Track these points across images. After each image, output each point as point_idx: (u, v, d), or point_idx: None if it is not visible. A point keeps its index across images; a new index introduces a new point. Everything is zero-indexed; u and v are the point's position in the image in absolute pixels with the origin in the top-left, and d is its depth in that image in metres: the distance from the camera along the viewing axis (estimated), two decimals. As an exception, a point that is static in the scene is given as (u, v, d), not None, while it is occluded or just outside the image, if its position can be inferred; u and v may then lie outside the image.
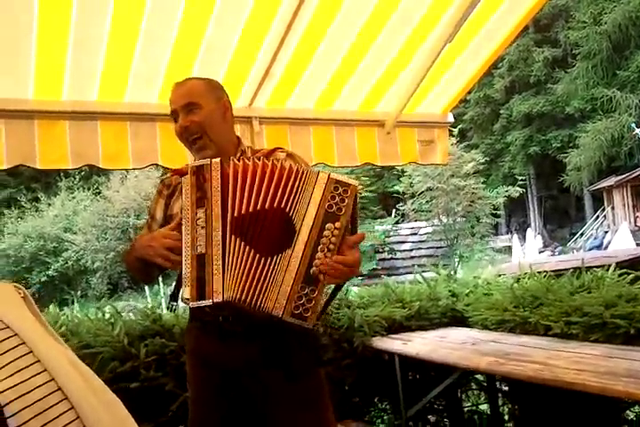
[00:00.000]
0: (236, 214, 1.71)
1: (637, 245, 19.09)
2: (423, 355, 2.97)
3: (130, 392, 2.84)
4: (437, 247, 13.85)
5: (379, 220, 15.50)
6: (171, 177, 2.14)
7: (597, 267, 3.82)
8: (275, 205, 1.71)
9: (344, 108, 3.81)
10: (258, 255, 1.69)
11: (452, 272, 12.63)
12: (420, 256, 13.99)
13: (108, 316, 3.32)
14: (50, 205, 27.55)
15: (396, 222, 16.07)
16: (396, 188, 13.78)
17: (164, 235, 1.85)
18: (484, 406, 3.90)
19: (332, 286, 1.83)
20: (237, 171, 1.74)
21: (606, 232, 27.86)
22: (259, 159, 1.77)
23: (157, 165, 3.42)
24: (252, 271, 1.69)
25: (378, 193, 18.01)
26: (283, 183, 1.72)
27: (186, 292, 1.72)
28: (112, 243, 21.40)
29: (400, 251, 14.31)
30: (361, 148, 3.89)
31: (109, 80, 3.15)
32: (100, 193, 23.57)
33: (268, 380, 1.88)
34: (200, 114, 1.94)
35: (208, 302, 1.69)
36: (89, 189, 27.27)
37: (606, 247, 23.30)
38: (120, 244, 20.96)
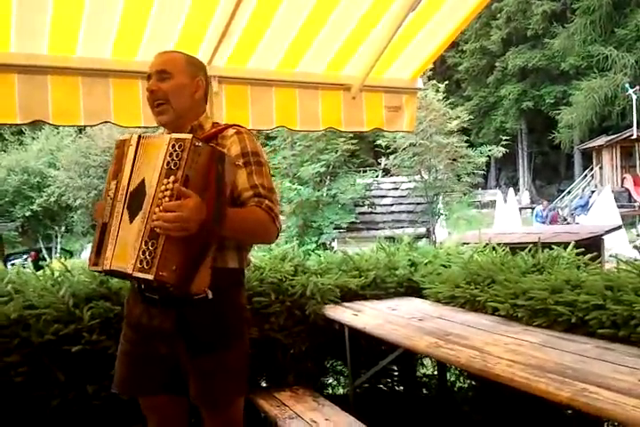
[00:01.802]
0: (131, 189, 1.82)
1: (619, 206, 19.27)
2: (369, 330, 2.97)
3: (72, 355, 2.84)
4: (418, 203, 13.80)
5: (360, 173, 15.35)
6: None
7: (558, 244, 3.80)
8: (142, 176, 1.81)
9: (308, 70, 3.68)
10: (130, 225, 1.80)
11: (431, 229, 12.67)
12: (399, 211, 13.97)
13: (56, 274, 3.27)
14: (34, 139, 27.26)
15: (377, 177, 15.99)
16: (379, 142, 13.61)
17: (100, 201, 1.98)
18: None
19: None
20: (146, 148, 1.84)
21: (593, 192, 27.96)
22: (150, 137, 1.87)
23: (110, 122, 3.32)
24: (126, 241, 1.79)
25: (361, 146, 17.81)
26: (150, 155, 1.82)
27: (89, 256, 1.90)
28: (94, 181, 21.22)
29: (380, 205, 14.28)
30: (325, 112, 3.79)
31: (59, 34, 3.02)
32: (83, 130, 23.19)
33: (179, 349, 1.98)
34: (169, 83, 2.02)
35: (99, 269, 1.85)
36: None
37: (590, 207, 23.48)
38: (102, 183, 20.80)
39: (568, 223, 21.61)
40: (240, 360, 2.06)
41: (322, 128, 3.92)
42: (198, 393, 2.02)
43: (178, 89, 2.03)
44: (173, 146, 1.73)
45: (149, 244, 1.70)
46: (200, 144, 1.74)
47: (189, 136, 1.74)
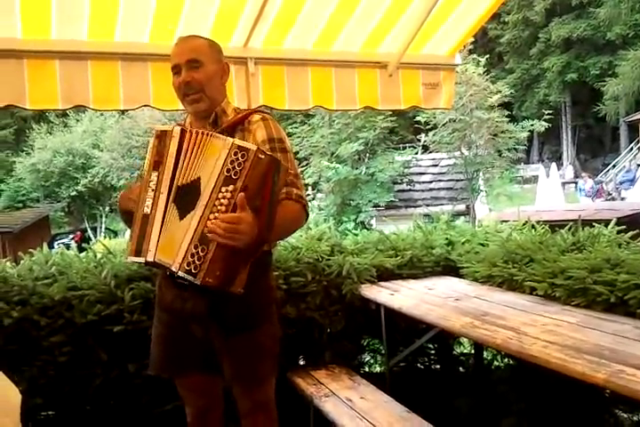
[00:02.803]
0: (179, 183, 1.85)
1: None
2: (405, 310, 2.97)
3: (114, 335, 2.93)
4: (457, 180, 13.61)
5: (399, 151, 15.20)
6: None
7: (599, 221, 3.73)
8: (200, 175, 1.83)
9: (344, 48, 3.66)
10: (180, 221, 1.84)
11: (471, 205, 12.53)
12: (439, 189, 13.81)
13: (99, 256, 3.36)
14: (78, 121, 27.72)
15: (417, 153, 15.82)
16: (419, 118, 13.43)
17: (131, 188, 2.03)
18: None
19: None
20: (190, 142, 1.86)
21: (639, 165, 27.25)
22: (213, 136, 1.86)
23: (149, 106, 3.36)
24: (174, 235, 1.84)
25: (400, 123, 17.64)
26: (206, 153, 1.83)
27: (128, 246, 1.94)
28: (137, 162, 21.55)
29: (419, 182, 14.14)
30: (361, 91, 3.77)
31: (98, 19, 3.07)
32: (126, 111, 23.48)
33: (213, 332, 2.06)
34: (201, 71, 2.04)
35: (141, 260, 1.89)
36: (116, 106, 27.21)
37: (637, 181, 22.90)
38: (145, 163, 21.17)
39: (613, 198, 21.16)
40: (270, 339, 2.13)
41: (358, 107, 3.90)
42: (232, 373, 2.09)
43: (210, 77, 2.06)
44: (236, 153, 1.74)
45: (200, 248, 1.75)
46: (263, 156, 1.76)
47: (254, 147, 1.75)
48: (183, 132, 1.87)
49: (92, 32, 3.11)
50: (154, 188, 1.87)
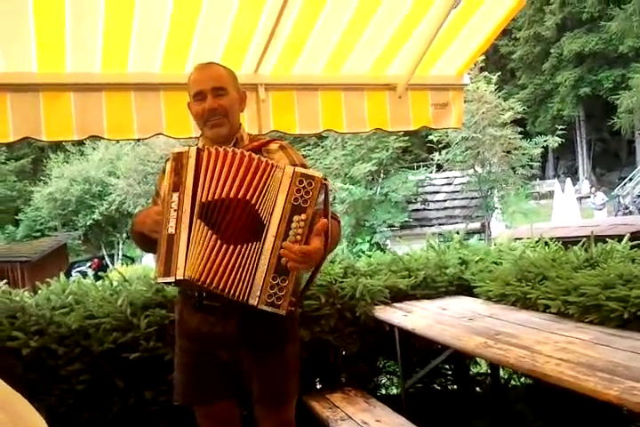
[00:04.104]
0: (203, 200, 1.86)
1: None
2: (419, 331, 2.98)
3: (130, 363, 2.96)
4: (472, 198, 13.60)
5: (412, 170, 15.24)
6: None
7: (613, 236, 3.73)
8: (240, 195, 1.84)
9: (353, 71, 3.70)
10: (220, 241, 1.84)
11: (486, 223, 12.48)
12: (453, 207, 13.81)
13: (115, 284, 3.40)
14: (94, 149, 28.02)
15: (430, 172, 15.84)
16: (431, 137, 13.47)
17: (156, 212, 2.00)
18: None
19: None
20: (210, 159, 1.88)
21: (656, 177, 26.97)
22: (232, 149, 1.89)
23: (162, 134, 3.43)
24: (214, 255, 1.83)
25: (414, 142, 17.68)
26: (250, 175, 1.84)
27: (155, 268, 1.92)
28: (152, 188, 21.60)
29: (433, 201, 14.14)
30: (371, 113, 3.81)
31: (111, 51, 3.14)
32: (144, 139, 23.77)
33: (242, 353, 2.08)
34: (226, 99, 2.09)
35: (171, 279, 1.87)
36: (131, 133, 27.52)
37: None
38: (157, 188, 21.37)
39: (630, 212, 20.95)
40: (296, 358, 2.18)
41: (369, 129, 3.93)
42: (262, 393, 2.11)
43: (234, 104, 2.12)
44: (301, 181, 1.78)
45: (280, 279, 1.77)
46: (326, 182, 1.82)
47: (319, 174, 1.80)
48: (199, 151, 1.89)
49: (105, 64, 3.19)
50: (176, 208, 1.88)
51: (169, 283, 1.93)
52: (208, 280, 1.81)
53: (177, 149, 1.95)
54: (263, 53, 3.37)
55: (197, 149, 1.91)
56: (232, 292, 1.80)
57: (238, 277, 1.80)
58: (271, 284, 1.77)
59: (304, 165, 2.09)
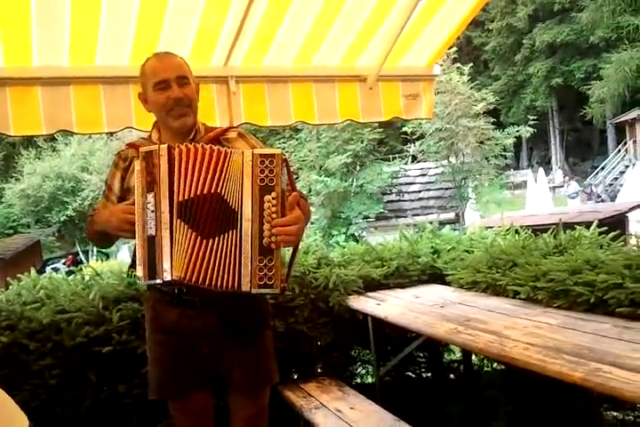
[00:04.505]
0: (180, 199, 1.85)
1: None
2: (391, 319, 3.01)
3: (103, 357, 2.95)
4: (446, 189, 13.72)
5: (388, 162, 15.31)
6: (127, 150, 2.22)
7: (581, 223, 3.79)
8: (212, 189, 1.85)
9: (323, 63, 3.71)
10: (200, 237, 1.84)
11: (460, 213, 12.60)
12: (428, 198, 13.92)
13: (87, 278, 3.38)
14: (67, 144, 27.70)
15: (405, 164, 15.93)
16: (405, 128, 13.54)
17: (122, 210, 1.98)
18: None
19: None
20: (182, 157, 1.87)
21: (627, 167, 27.42)
22: (201, 145, 1.89)
23: (132, 128, 3.40)
24: (197, 253, 1.84)
25: (389, 133, 17.75)
26: (218, 168, 1.85)
27: (139, 271, 1.88)
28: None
29: (408, 192, 14.23)
30: (342, 104, 3.82)
31: (78, 44, 3.10)
32: (114, 133, 23.51)
33: (223, 343, 2.07)
34: (190, 88, 2.08)
35: (158, 281, 1.87)
36: (104, 128, 27.24)
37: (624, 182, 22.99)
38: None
39: (602, 200, 21.27)
40: (272, 341, 2.22)
41: (340, 121, 3.96)
42: (244, 380, 2.11)
43: (195, 93, 2.11)
44: (262, 162, 1.80)
45: (265, 260, 1.79)
46: (285, 156, 1.84)
47: (278, 151, 1.83)
48: (170, 148, 1.87)
49: (72, 57, 3.15)
50: (153, 209, 1.85)
51: (158, 284, 1.92)
52: (195, 278, 1.82)
53: (145, 147, 1.91)
54: (233, 46, 3.36)
55: (168, 146, 1.88)
56: (222, 284, 1.82)
57: (225, 268, 1.82)
58: (259, 266, 1.79)
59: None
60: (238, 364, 2.10)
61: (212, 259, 1.82)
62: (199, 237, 1.83)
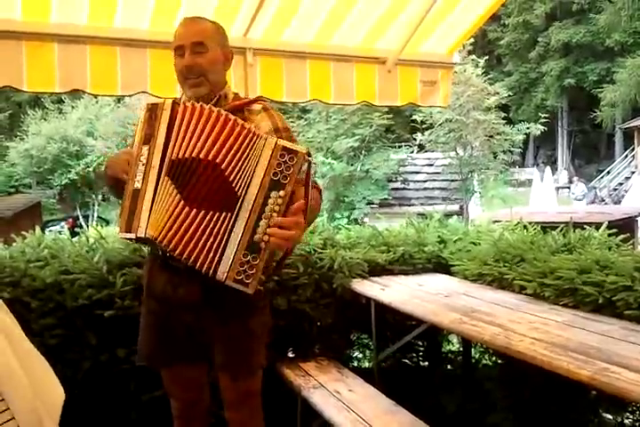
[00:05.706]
0: (173, 157, 1.78)
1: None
2: (395, 304, 2.99)
3: (105, 320, 2.93)
4: (452, 180, 13.68)
5: (394, 149, 15.25)
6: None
7: (590, 224, 3.76)
8: (211, 156, 1.74)
9: (343, 43, 3.67)
10: (184, 202, 1.75)
11: (465, 206, 12.58)
12: (433, 188, 13.89)
13: (91, 241, 3.35)
14: (73, 107, 27.43)
15: (412, 152, 15.88)
16: (415, 117, 13.45)
17: (125, 152, 1.95)
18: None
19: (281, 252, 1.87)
20: (184, 115, 1.79)
21: (633, 173, 27.39)
22: (209, 107, 1.81)
23: (146, 92, 3.36)
24: (177, 217, 1.76)
25: (397, 121, 17.67)
26: (224, 137, 1.75)
27: (119, 222, 1.84)
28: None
29: (413, 181, 14.19)
30: (359, 85, 3.79)
31: (99, 3, 3.06)
32: (122, 100, 23.33)
33: (206, 318, 2.02)
34: (205, 57, 1.98)
35: (131, 236, 1.81)
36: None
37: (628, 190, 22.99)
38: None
39: (606, 203, 21.27)
40: (262, 328, 2.12)
41: (356, 102, 3.92)
42: (224, 361, 2.06)
43: (213, 62, 2.00)
44: (282, 155, 1.68)
45: (250, 257, 1.69)
46: (310, 158, 1.74)
47: (303, 149, 1.71)
48: (175, 104, 1.81)
49: (92, 16, 3.11)
50: (144, 162, 1.80)
51: (130, 239, 1.86)
52: (168, 242, 1.75)
53: (153, 101, 1.87)
54: (254, 17, 3.32)
55: (173, 102, 1.83)
56: (195, 261, 1.74)
57: (205, 248, 1.73)
58: (241, 261, 1.70)
59: (287, 130, 2.05)
60: (219, 343, 2.05)
61: (194, 231, 1.73)
62: (182, 202, 1.74)
